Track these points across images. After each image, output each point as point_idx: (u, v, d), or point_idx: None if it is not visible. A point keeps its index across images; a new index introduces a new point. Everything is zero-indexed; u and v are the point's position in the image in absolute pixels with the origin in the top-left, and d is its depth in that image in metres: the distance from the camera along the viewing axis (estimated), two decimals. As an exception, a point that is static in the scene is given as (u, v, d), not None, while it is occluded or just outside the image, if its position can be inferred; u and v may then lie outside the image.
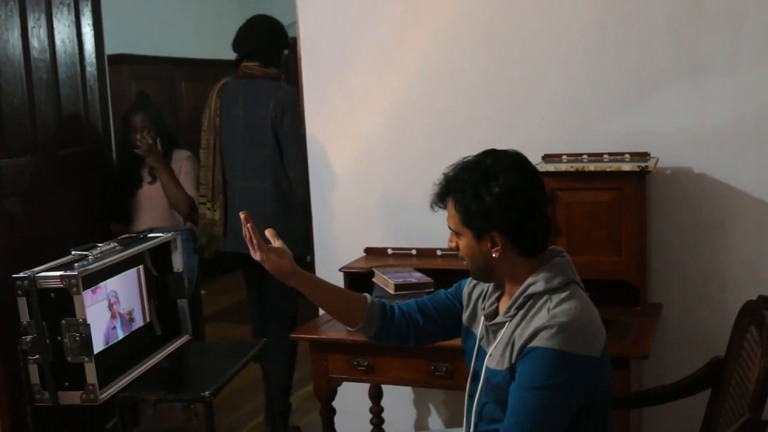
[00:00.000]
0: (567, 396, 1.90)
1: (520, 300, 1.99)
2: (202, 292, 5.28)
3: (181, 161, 4.13)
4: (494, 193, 1.94)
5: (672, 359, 3.01)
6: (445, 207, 2.05)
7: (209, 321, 5.60)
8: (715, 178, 2.99)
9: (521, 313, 1.99)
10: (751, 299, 2.31)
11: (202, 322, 4.86)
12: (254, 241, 2.09)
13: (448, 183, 2.03)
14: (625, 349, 2.56)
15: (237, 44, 3.96)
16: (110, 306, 2.60)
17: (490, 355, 2.04)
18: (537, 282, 1.98)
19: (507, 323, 2.01)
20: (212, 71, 7.38)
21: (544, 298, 1.96)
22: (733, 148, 2.96)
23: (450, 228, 2.06)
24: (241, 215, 2.10)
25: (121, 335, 2.65)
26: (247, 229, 2.09)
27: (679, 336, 3.07)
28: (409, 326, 2.27)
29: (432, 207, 2.08)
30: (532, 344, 1.90)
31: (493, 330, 2.07)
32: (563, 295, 1.95)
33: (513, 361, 1.95)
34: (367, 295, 2.29)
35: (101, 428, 3.77)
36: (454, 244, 2.07)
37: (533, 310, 1.96)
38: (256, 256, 2.11)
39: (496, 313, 2.09)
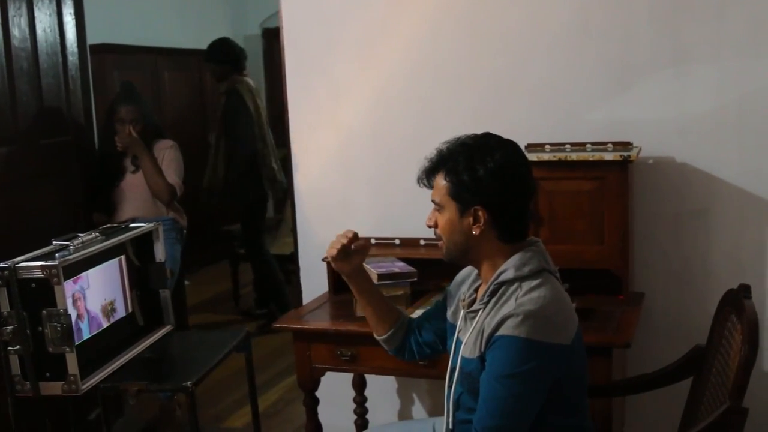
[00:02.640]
0: (536, 383, 1.92)
1: (492, 287, 2.01)
2: (186, 282, 5.27)
3: (165, 150, 4.15)
4: (489, 167, 1.96)
5: (654, 347, 3.03)
6: (431, 184, 2.06)
7: (193, 311, 5.58)
8: (697, 167, 3.00)
9: (493, 300, 2.00)
10: (732, 288, 2.32)
11: (185, 312, 4.85)
12: (340, 246, 2.20)
13: (441, 156, 2.04)
14: (608, 338, 2.57)
15: (239, 56, 5.37)
16: (74, 302, 2.47)
17: (465, 344, 2.06)
18: (508, 269, 2.00)
19: (480, 310, 2.03)
20: (195, 61, 7.36)
21: (515, 285, 1.98)
22: (716, 138, 2.97)
23: (434, 202, 2.06)
24: (350, 234, 2.23)
25: (86, 335, 2.54)
26: (347, 238, 2.21)
27: (661, 324, 3.09)
28: (412, 342, 2.34)
29: (419, 182, 2.09)
30: (499, 333, 1.92)
31: (470, 318, 2.08)
32: (533, 283, 1.96)
33: (482, 349, 1.97)
34: (403, 312, 2.38)
35: (83, 419, 3.75)
36: (432, 222, 2.08)
37: (503, 298, 1.98)
38: (330, 252, 2.22)
39: (474, 302, 2.10)
